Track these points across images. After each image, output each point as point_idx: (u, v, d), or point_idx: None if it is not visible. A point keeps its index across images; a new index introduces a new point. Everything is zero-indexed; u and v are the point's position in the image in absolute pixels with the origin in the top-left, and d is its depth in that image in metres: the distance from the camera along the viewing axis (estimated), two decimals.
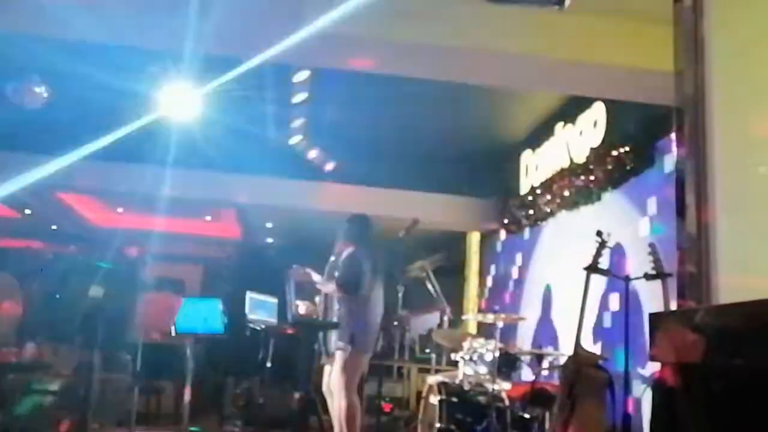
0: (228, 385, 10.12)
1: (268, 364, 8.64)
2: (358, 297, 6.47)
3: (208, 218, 15.50)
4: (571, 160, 8.40)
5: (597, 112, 7.91)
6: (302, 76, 8.59)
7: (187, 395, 8.71)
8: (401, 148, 11.02)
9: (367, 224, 6.90)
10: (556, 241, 8.97)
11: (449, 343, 7.70)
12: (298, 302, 6.74)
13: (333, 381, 6.41)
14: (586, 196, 8.03)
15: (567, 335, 7.46)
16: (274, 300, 9.32)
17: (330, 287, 6.58)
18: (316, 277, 6.73)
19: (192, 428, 7.50)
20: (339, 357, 6.40)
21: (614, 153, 7.32)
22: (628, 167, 7.17)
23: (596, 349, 7.00)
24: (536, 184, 9.44)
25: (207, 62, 7.69)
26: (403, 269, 7.76)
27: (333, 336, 6.47)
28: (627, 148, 7.15)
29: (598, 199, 7.85)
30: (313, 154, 11.21)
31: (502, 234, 10.98)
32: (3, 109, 8.65)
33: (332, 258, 6.82)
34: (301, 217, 12.37)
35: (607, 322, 7.17)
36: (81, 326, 4.84)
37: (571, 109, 8.60)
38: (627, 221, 7.11)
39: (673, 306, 4.28)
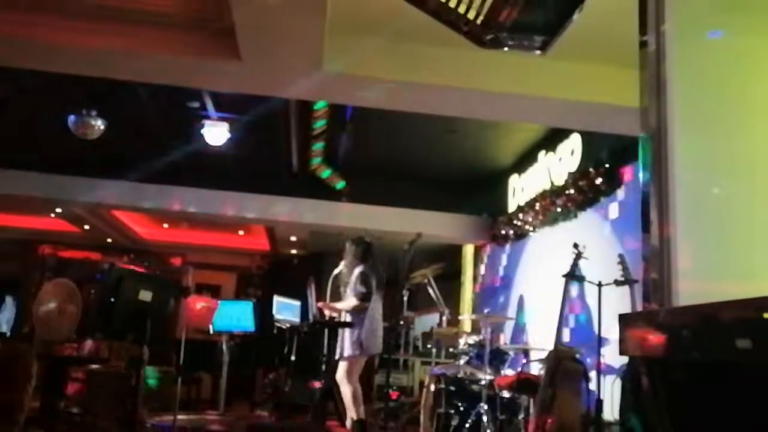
0: (258, 376, 10.12)
1: (293, 358, 8.63)
2: (364, 309, 6.50)
3: (241, 233, 15.51)
4: (552, 183, 8.39)
5: (574, 142, 7.91)
6: (321, 110, 8.62)
7: (223, 384, 8.72)
8: (406, 173, 11.04)
9: (370, 246, 6.88)
10: (539, 252, 8.95)
11: (447, 340, 7.69)
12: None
13: (339, 375, 6.48)
14: (565, 214, 8.03)
15: (548, 333, 7.44)
16: (297, 303, 9.32)
17: (349, 303, 6.57)
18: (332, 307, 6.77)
19: None
20: (344, 359, 6.49)
21: (589, 177, 7.33)
22: (600, 189, 7.19)
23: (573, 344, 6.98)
24: (522, 204, 9.43)
25: (239, 98, 7.75)
26: (407, 276, 7.75)
27: (346, 341, 6.49)
28: (600, 173, 7.17)
29: (575, 216, 7.85)
30: (330, 177, 11.24)
31: (492, 246, 10.97)
32: (66, 139, 8.70)
33: (336, 271, 6.80)
34: (321, 232, 12.36)
35: (583, 322, 7.15)
36: (132, 325, 4.84)
37: (552, 139, 8.59)
38: (600, 235, 7.10)
39: (640, 308, 4.27)
